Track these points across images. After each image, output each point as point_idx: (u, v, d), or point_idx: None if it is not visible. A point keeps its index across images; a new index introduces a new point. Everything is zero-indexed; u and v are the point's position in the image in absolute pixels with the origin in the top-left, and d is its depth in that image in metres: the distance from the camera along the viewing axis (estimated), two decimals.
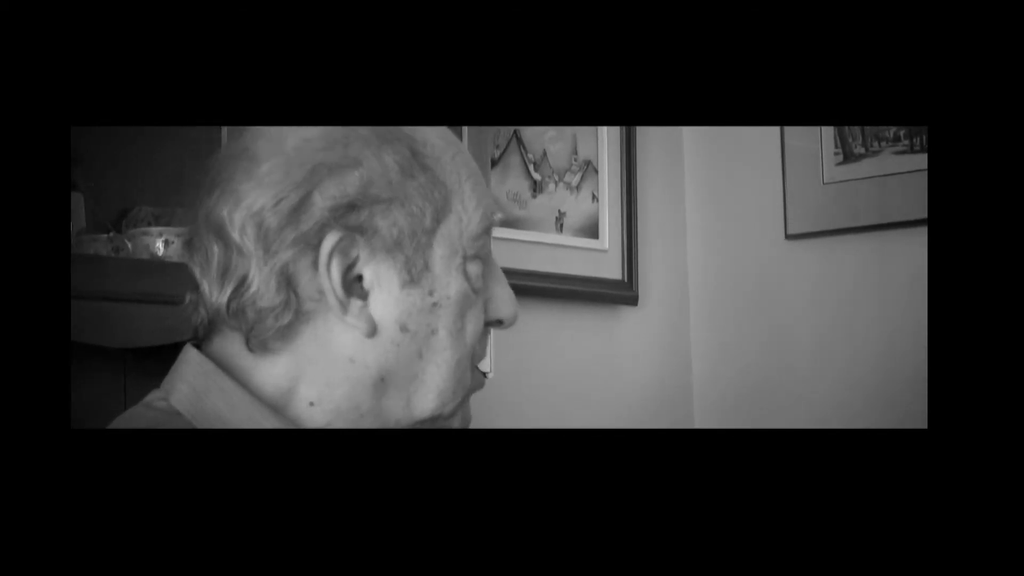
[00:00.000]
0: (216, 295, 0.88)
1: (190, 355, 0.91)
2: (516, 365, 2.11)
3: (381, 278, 0.89)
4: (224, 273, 0.87)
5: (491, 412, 2.07)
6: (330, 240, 0.86)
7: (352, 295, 0.88)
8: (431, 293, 0.90)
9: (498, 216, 0.95)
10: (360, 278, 0.89)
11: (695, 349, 2.47)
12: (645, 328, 2.39)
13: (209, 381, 0.89)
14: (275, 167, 0.87)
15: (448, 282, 0.90)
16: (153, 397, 0.92)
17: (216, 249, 0.87)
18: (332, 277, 0.87)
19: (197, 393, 0.89)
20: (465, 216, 0.91)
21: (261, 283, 0.86)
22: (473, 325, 0.93)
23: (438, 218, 0.90)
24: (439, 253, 0.90)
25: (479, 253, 0.92)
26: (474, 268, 0.92)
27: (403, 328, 0.89)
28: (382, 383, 0.90)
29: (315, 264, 0.87)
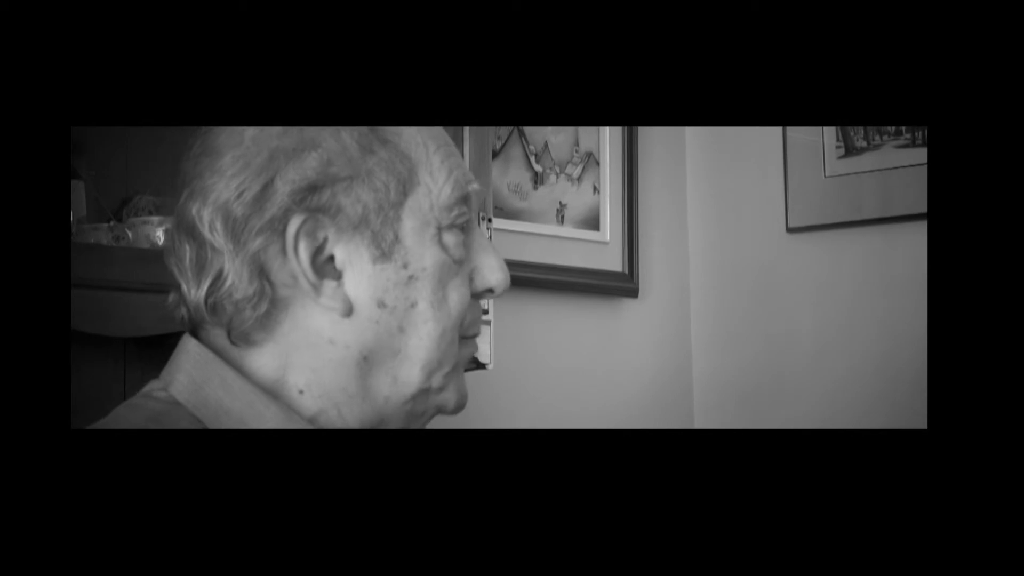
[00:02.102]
0: (194, 292, 0.88)
1: (189, 345, 0.91)
2: (516, 357, 2.12)
3: (351, 256, 0.89)
4: (200, 270, 0.88)
5: (491, 404, 2.07)
6: (294, 224, 0.87)
7: (325, 277, 0.88)
8: (405, 266, 0.89)
9: (473, 187, 0.94)
10: (332, 259, 0.89)
11: (696, 342, 2.47)
12: (646, 320, 2.39)
13: (208, 370, 0.89)
14: (236, 158, 0.87)
15: (423, 254, 0.90)
16: (152, 387, 0.92)
17: (189, 247, 0.88)
18: (301, 260, 0.87)
19: (196, 383, 0.89)
20: (435, 187, 0.91)
21: (235, 275, 0.87)
22: (457, 295, 0.92)
23: (405, 191, 0.89)
24: (409, 225, 0.89)
25: (456, 223, 0.91)
26: (451, 238, 0.91)
27: (380, 304, 0.89)
28: (365, 362, 0.90)
29: (284, 250, 0.87)
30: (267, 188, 0.86)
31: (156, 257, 1.41)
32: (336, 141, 0.88)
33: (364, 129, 0.89)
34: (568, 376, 2.24)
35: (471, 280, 0.94)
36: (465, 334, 0.94)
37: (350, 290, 0.89)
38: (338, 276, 0.89)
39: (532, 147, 2.18)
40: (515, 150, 2.15)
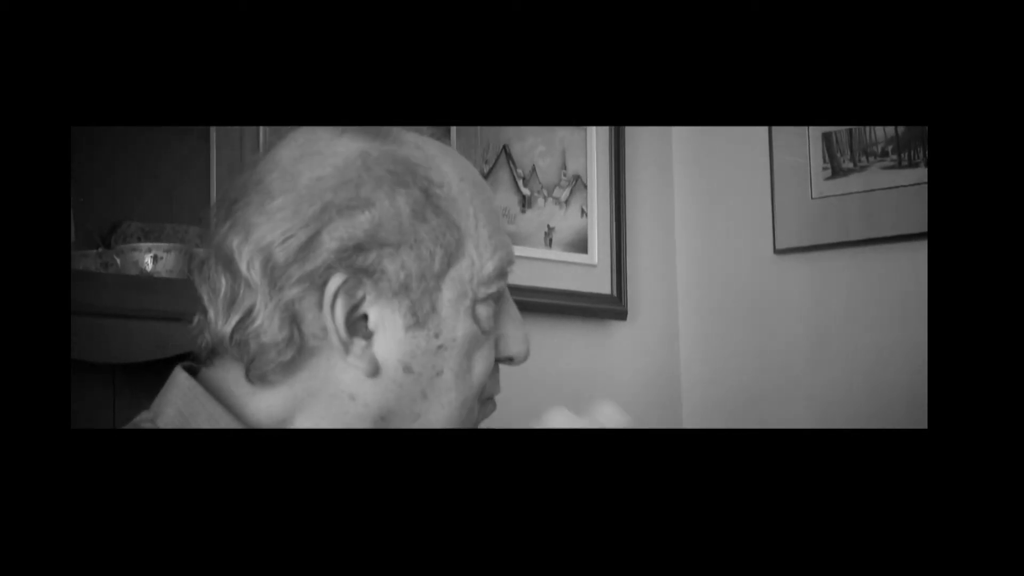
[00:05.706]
0: (221, 324, 0.88)
1: (179, 379, 0.91)
2: (505, 380, 2.11)
3: (386, 320, 0.88)
4: (231, 304, 0.87)
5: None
6: (335, 282, 0.86)
7: (356, 335, 0.88)
8: (437, 336, 0.89)
9: (513, 265, 0.94)
10: (365, 317, 0.88)
11: (684, 364, 2.48)
12: (634, 343, 2.39)
13: (197, 405, 0.89)
14: (286, 203, 0.86)
15: (455, 325, 0.90)
16: (142, 418, 0.92)
17: (224, 280, 0.87)
18: (336, 318, 0.86)
19: (184, 417, 0.89)
20: (479, 261, 0.90)
21: (266, 318, 0.86)
22: (481, 365, 0.93)
23: (449, 262, 0.89)
24: (447, 297, 0.89)
25: (491, 295, 0.92)
26: (484, 310, 0.91)
27: (407, 369, 0.89)
28: (382, 421, 0.89)
29: (320, 303, 0.86)
30: (313, 240, 0.86)
31: (145, 284, 1.42)
32: (391, 203, 0.87)
33: (420, 195, 0.88)
34: (557, 398, 2.24)
35: (496, 347, 0.95)
36: (483, 397, 0.96)
37: (379, 351, 0.88)
38: (368, 335, 0.88)
39: (520, 170, 2.18)
40: (503, 173, 2.16)
